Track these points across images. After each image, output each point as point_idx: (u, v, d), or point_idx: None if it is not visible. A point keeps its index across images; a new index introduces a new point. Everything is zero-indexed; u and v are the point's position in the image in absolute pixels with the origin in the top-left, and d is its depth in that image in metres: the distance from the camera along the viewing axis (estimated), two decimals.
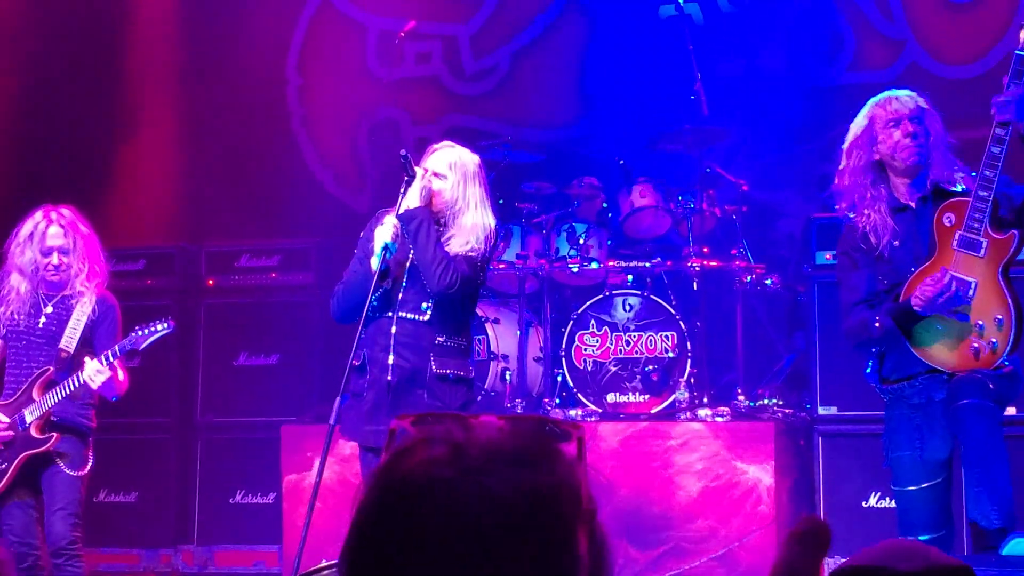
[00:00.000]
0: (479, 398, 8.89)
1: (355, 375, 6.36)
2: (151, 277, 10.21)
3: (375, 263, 6.22)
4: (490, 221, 6.40)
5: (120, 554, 9.84)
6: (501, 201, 9.76)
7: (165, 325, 6.78)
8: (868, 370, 6.03)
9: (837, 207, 6.16)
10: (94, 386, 6.74)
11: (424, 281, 6.22)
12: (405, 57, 11.58)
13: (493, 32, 11.75)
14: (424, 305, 6.26)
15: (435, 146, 6.52)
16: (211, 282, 10.16)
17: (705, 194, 9.28)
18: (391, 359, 6.20)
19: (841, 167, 6.03)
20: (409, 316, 6.27)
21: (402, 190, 6.31)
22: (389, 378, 6.18)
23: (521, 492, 1.62)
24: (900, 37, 10.78)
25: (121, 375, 6.90)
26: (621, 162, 9.75)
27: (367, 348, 6.33)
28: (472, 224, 6.31)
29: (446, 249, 6.21)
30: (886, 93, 6.03)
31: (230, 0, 11.58)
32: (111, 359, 6.75)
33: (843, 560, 6.64)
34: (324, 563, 5.77)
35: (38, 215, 7.04)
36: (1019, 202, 5.75)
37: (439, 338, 6.28)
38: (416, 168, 6.31)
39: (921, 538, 5.71)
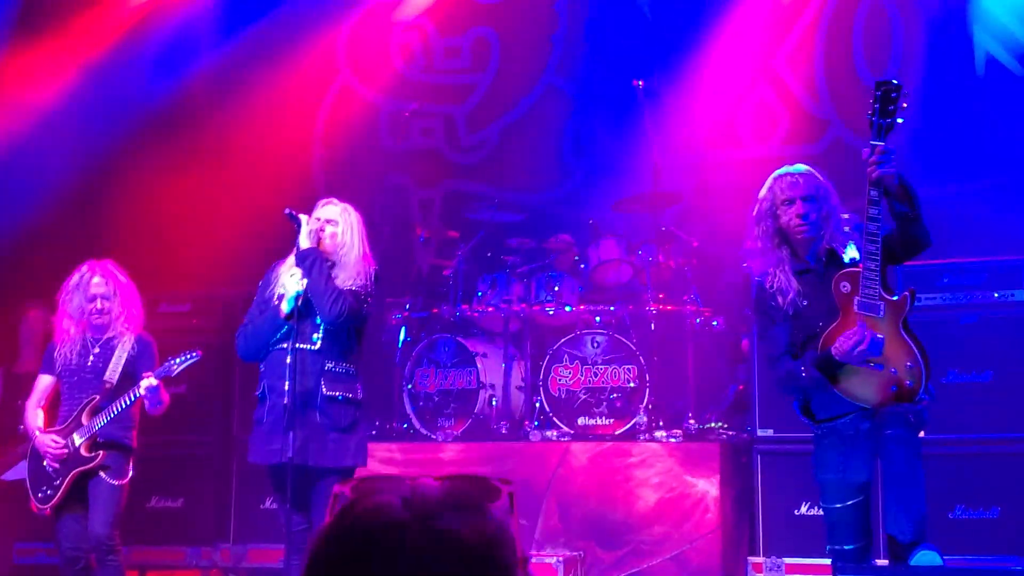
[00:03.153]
0: (405, 427, 9.03)
1: (257, 405, 6.34)
2: (196, 317, 10.15)
3: (286, 307, 6.18)
4: (370, 263, 6.40)
5: (168, 551, 9.79)
6: (489, 254, 9.73)
7: (194, 354, 6.79)
8: (796, 407, 5.90)
9: (747, 266, 6.02)
10: (143, 389, 6.69)
11: (317, 311, 6.18)
12: (411, 132, 11.56)
13: (485, 111, 11.79)
14: (315, 336, 6.22)
15: (324, 200, 6.51)
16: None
17: (661, 249, 9.20)
18: (287, 385, 6.09)
19: (750, 233, 5.91)
20: (302, 346, 6.18)
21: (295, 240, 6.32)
22: (285, 401, 6.07)
23: (471, 534, 1.48)
24: (826, 117, 10.74)
25: (158, 381, 6.85)
26: (591, 221, 9.73)
27: (266, 379, 6.27)
28: (356, 262, 6.31)
29: (336, 285, 6.19)
30: (784, 170, 5.90)
31: (265, 82, 11.56)
32: (157, 377, 6.79)
33: (779, 559, 6.53)
34: None
35: (84, 268, 7.10)
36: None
37: (328, 364, 6.21)
38: (300, 216, 6.30)
39: (845, 548, 5.66)
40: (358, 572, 1.44)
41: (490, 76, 11.85)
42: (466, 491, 1.54)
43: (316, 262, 6.17)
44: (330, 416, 6.14)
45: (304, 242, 6.24)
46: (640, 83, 9.35)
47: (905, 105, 5.55)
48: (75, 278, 7.03)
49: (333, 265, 6.29)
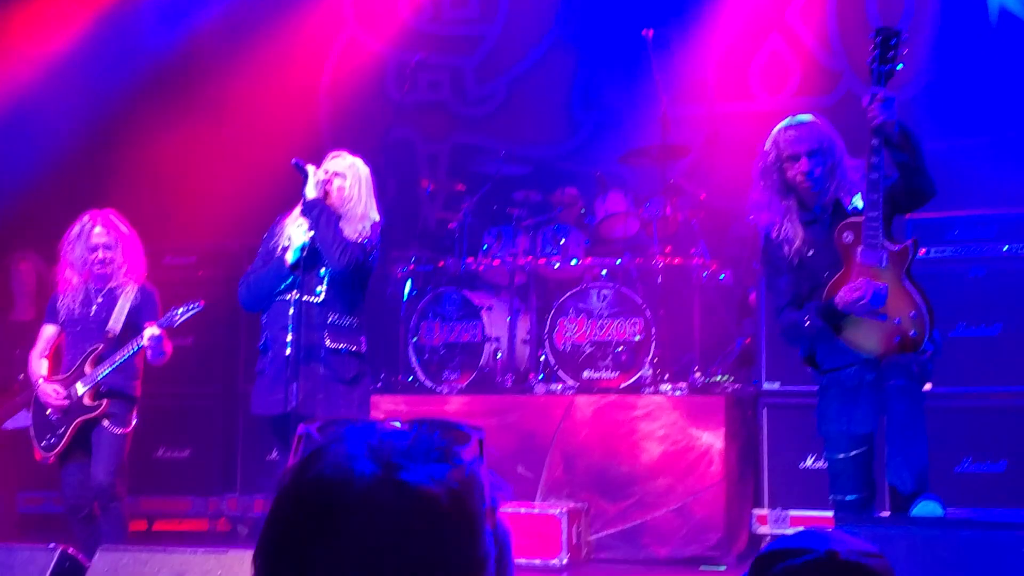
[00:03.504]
0: (406, 381, 8.95)
1: (259, 356, 6.33)
2: (202, 269, 10.17)
3: (291, 257, 6.19)
4: (376, 217, 6.37)
5: (175, 501, 9.89)
6: (495, 207, 9.68)
7: (197, 304, 6.80)
8: (801, 356, 5.88)
9: (753, 219, 5.97)
10: (145, 339, 6.67)
11: (326, 260, 6.17)
12: (418, 84, 11.49)
13: (493, 63, 11.71)
14: (319, 288, 6.21)
15: (333, 153, 6.50)
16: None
17: (669, 201, 9.12)
18: (289, 336, 6.09)
19: (756, 186, 5.86)
20: (306, 298, 6.17)
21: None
22: (288, 352, 6.06)
23: (436, 485, 1.43)
24: (838, 69, 10.65)
25: (160, 331, 6.85)
26: (597, 174, 9.63)
27: (268, 330, 6.25)
28: (362, 215, 6.29)
29: (343, 235, 6.19)
30: (787, 123, 5.83)
31: (270, 35, 11.49)
32: (159, 326, 6.78)
33: (784, 511, 6.53)
34: None
35: (85, 218, 7.06)
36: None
37: (332, 316, 6.20)
38: (308, 167, 6.28)
39: (848, 498, 5.66)
40: (320, 527, 1.40)
41: (498, 27, 11.77)
42: (435, 438, 1.50)
43: (323, 212, 6.16)
44: (334, 368, 6.13)
45: (311, 192, 6.22)
46: (649, 33, 9.26)
47: (906, 51, 5.48)
48: (76, 228, 6.99)
49: (339, 218, 6.26)
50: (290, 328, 6.09)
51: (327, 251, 6.12)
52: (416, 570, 1.39)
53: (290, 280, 6.19)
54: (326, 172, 6.31)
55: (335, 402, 6.09)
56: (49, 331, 7.06)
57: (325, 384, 6.10)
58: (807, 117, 5.89)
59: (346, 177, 6.32)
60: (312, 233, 6.16)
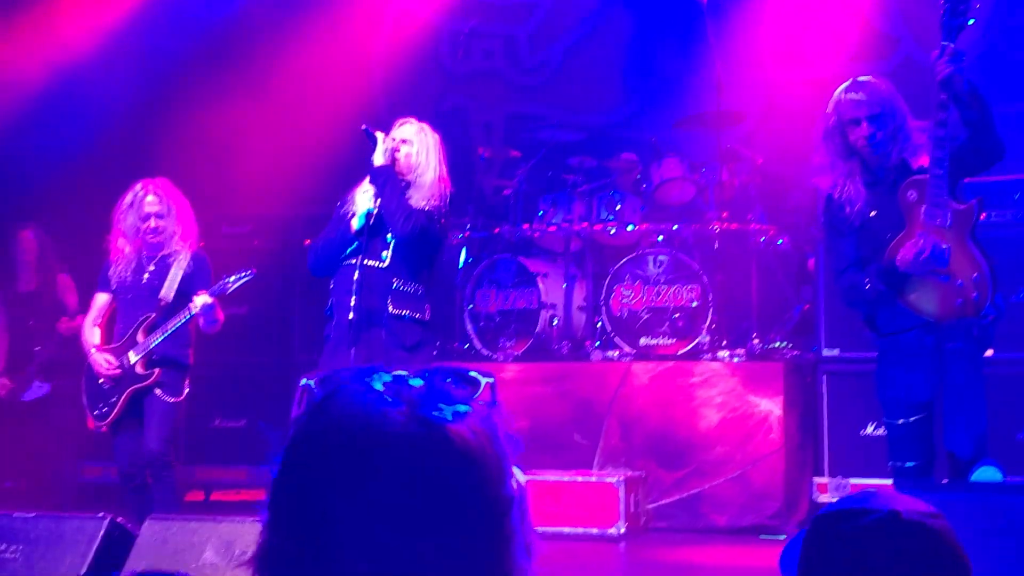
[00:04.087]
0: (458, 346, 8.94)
1: (327, 322, 6.34)
2: (257, 238, 10.21)
3: (356, 223, 6.18)
4: (446, 185, 6.35)
5: (232, 470, 9.94)
6: (550, 173, 9.65)
7: (249, 272, 6.78)
8: (863, 318, 5.81)
9: (815, 182, 5.90)
10: (197, 306, 6.68)
11: (389, 227, 6.14)
12: (472, 53, 11.45)
13: (546, 31, 11.64)
14: (384, 253, 6.18)
15: (402, 119, 6.49)
16: (307, 242, 10.05)
17: (725, 167, 9.04)
18: (352, 300, 6.06)
19: (818, 150, 5.78)
20: (370, 263, 6.16)
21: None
22: (350, 316, 6.03)
23: (462, 425, 1.39)
24: (896, 34, 10.51)
25: (212, 299, 6.84)
26: (652, 139, 9.54)
27: (334, 295, 6.26)
28: (431, 183, 6.26)
29: (408, 202, 6.14)
30: (847, 86, 5.73)
31: (324, 4, 11.48)
32: (211, 295, 6.77)
33: (844, 480, 6.46)
34: None
35: (137, 186, 7.03)
36: (956, 152, 5.43)
37: (396, 282, 6.16)
38: (377, 134, 6.27)
39: (907, 465, 5.59)
40: (349, 468, 1.35)
41: None
42: (448, 383, 1.47)
43: (389, 179, 6.16)
44: (395, 334, 6.12)
45: (378, 159, 6.22)
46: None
47: (979, 6, 5.37)
48: (129, 197, 6.99)
49: (408, 185, 6.26)
50: (354, 292, 6.07)
51: (391, 218, 6.11)
52: (448, 508, 1.36)
53: (355, 245, 6.18)
54: (393, 139, 6.29)
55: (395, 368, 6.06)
56: (101, 299, 7.07)
57: (385, 350, 6.07)
58: (868, 79, 5.80)
59: (413, 143, 6.32)
60: (379, 200, 6.15)
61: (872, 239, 5.64)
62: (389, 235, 6.17)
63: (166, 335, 6.75)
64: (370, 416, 1.37)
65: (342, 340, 6.09)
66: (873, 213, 5.63)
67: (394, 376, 1.44)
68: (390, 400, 1.40)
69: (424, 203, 6.19)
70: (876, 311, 5.70)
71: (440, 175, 6.31)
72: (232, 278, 6.73)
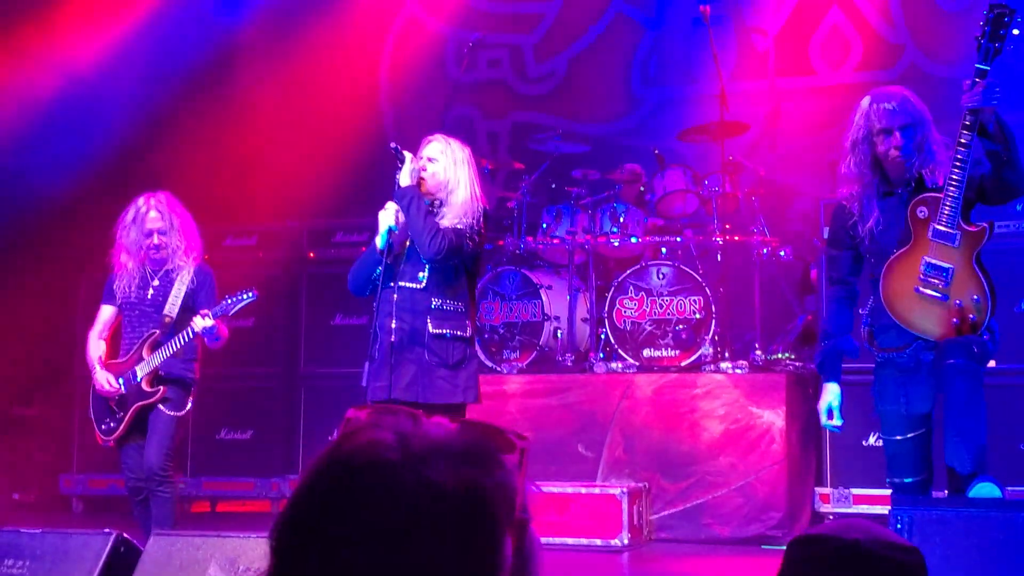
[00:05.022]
0: (476, 356, 8.73)
1: (371, 342, 6.28)
2: (262, 250, 10.28)
3: (379, 242, 6.12)
4: (479, 200, 6.23)
5: (237, 482, 10.00)
6: (554, 185, 9.71)
7: (250, 294, 6.74)
8: (864, 331, 5.83)
9: (839, 192, 5.89)
10: (198, 329, 6.67)
11: (418, 248, 6.09)
12: (478, 63, 11.53)
13: (552, 41, 11.71)
14: (420, 275, 6.12)
15: (429, 137, 6.35)
16: (312, 254, 10.19)
17: (728, 178, 9.10)
18: (393, 323, 6.06)
19: (845, 159, 5.76)
20: (408, 285, 6.12)
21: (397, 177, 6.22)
22: (392, 339, 6.04)
23: (458, 485, 1.45)
24: (900, 42, 10.56)
25: (214, 321, 6.78)
26: (656, 151, 9.60)
27: (377, 317, 6.24)
28: (463, 201, 6.15)
29: (440, 223, 6.07)
30: (879, 95, 5.70)
31: (330, 15, 11.57)
32: (212, 317, 6.71)
33: (846, 490, 6.48)
34: None
35: (139, 201, 6.99)
36: (977, 179, 5.48)
37: (436, 302, 6.12)
38: (405, 153, 6.18)
39: (905, 480, 5.59)
40: (341, 506, 1.43)
41: (558, 4, 11.78)
42: (472, 440, 1.51)
43: (413, 200, 6.06)
44: (438, 354, 6.08)
45: (404, 179, 6.13)
46: (707, 9, 9.22)
47: (1016, 32, 5.37)
48: (131, 212, 6.97)
49: (440, 204, 6.17)
50: (394, 315, 6.08)
51: (418, 239, 6.04)
52: (426, 561, 1.41)
53: (388, 267, 6.13)
54: (418, 158, 6.19)
55: (438, 386, 6.05)
56: (107, 312, 7.07)
57: (429, 369, 6.07)
58: (898, 89, 5.79)
59: (438, 161, 6.19)
60: (402, 220, 6.10)
61: (879, 253, 5.66)
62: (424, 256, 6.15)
63: (170, 354, 6.77)
64: (371, 461, 1.45)
65: (385, 361, 6.10)
66: (881, 228, 5.63)
67: (421, 424, 1.51)
68: (396, 448, 1.47)
69: (456, 220, 6.10)
70: (874, 325, 5.73)
71: (472, 192, 6.19)
72: (232, 299, 6.71)
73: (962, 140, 5.30)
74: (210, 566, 5.19)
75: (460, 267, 6.22)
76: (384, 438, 1.48)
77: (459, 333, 6.18)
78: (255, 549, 5.19)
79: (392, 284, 6.14)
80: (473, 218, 6.16)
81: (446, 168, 6.18)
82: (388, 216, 6.14)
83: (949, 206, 5.39)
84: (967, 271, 5.45)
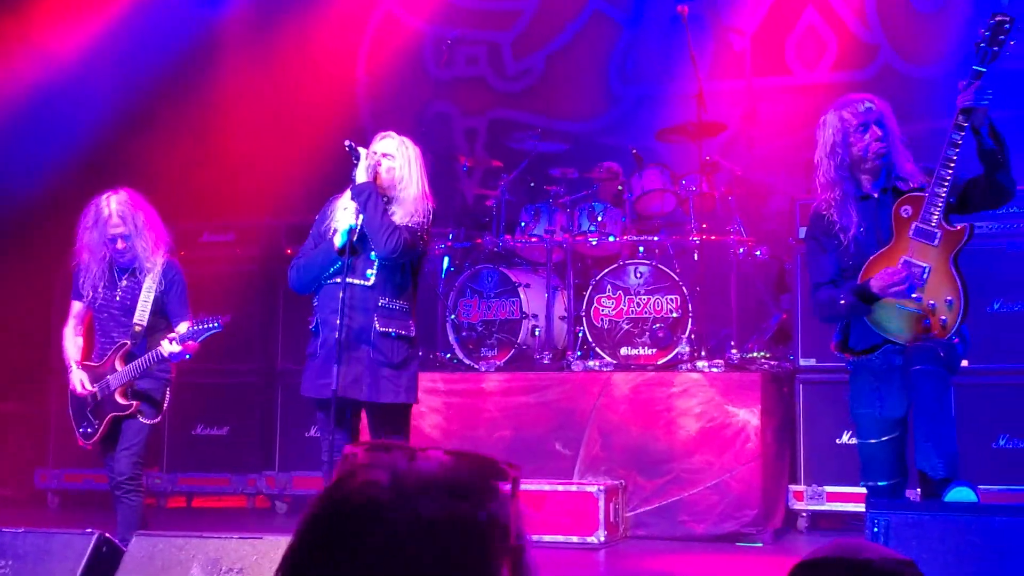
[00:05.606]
0: (432, 355, 9.05)
1: (311, 338, 6.33)
2: (240, 246, 10.27)
3: (339, 240, 6.14)
4: (428, 198, 6.29)
5: (214, 478, 10.00)
6: (532, 184, 9.74)
7: (216, 324, 6.58)
8: (834, 341, 5.88)
9: (815, 197, 5.94)
10: (165, 353, 6.55)
11: (372, 246, 6.12)
12: (456, 60, 11.54)
13: (530, 38, 11.73)
14: (369, 272, 6.16)
15: (382, 133, 6.39)
16: (289, 251, 10.15)
17: (705, 178, 9.15)
18: (339, 319, 6.07)
19: (822, 166, 5.81)
20: (356, 282, 6.15)
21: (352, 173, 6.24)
22: (338, 335, 6.06)
23: (451, 521, 1.48)
24: (875, 42, 10.64)
25: (181, 347, 6.60)
26: (634, 151, 9.64)
27: (319, 313, 6.26)
28: (414, 199, 6.21)
29: (392, 220, 6.12)
30: (851, 100, 5.80)
31: (308, 12, 11.57)
32: (180, 343, 6.56)
33: (820, 488, 6.52)
34: None
35: (101, 201, 6.75)
36: (961, 185, 5.56)
37: (382, 300, 6.16)
38: (360, 149, 6.22)
39: (879, 484, 5.64)
40: (339, 548, 1.46)
41: (535, 1, 11.80)
42: (465, 473, 1.54)
43: (371, 196, 6.09)
44: (383, 352, 6.11)
45: (361, 176, 6.16)
46: (684, 9, 9.28)
47: (1013, 42, 5.44)
48: (91, 214, 6.76)
49: (390, 200, 6.21)
50: (340, 311, 6.09)
51: (374, 237, 6.07)
52: None
53: (339, 264, 6.16)
54: (375, 153, 6.23)
55: (382, 386, 6.08)
56: (77, 307, 6.90)
57: (373, 367, 6.09)
58: (868, 96, 5.86)
59: (395, 158, 6.24)
60: (361, 217, 6.12)
61: (858, 255, 5.69)
62: (373, 253, 6.16)
63: (141, 372, 6.64)
64: (367, 504, 1.49)
65: (329, 359, 6.11)
66: (861, 229, 5.69)
67: (415, 461, 1.54)
68: (390, 489, 1.50)
69: (407, 219, 6.15)
70: (850, 329, 5.78)
71: (422, 190, 6.25)
72: (200, 326, 6.53)
73: (953, 139, 5.37)
74: (192, 566, 5.21)
75: (407, 266, 6.27)
76: (378, 479, 1.51)
77: (403, 332, 6.22)
78: (237, 550, 5.21)
79: (338, 280, 6.15)
80: (423, 216, 6.22)
81: (401, 165, 6.23)
82: (349, 216, 6.16)
83: (934, 205, 5.46)
84: (944, 271, 5.52)
